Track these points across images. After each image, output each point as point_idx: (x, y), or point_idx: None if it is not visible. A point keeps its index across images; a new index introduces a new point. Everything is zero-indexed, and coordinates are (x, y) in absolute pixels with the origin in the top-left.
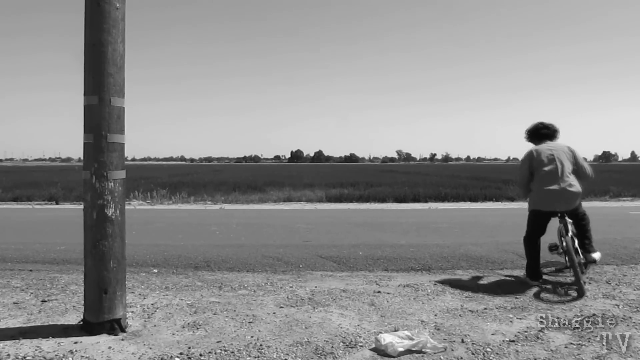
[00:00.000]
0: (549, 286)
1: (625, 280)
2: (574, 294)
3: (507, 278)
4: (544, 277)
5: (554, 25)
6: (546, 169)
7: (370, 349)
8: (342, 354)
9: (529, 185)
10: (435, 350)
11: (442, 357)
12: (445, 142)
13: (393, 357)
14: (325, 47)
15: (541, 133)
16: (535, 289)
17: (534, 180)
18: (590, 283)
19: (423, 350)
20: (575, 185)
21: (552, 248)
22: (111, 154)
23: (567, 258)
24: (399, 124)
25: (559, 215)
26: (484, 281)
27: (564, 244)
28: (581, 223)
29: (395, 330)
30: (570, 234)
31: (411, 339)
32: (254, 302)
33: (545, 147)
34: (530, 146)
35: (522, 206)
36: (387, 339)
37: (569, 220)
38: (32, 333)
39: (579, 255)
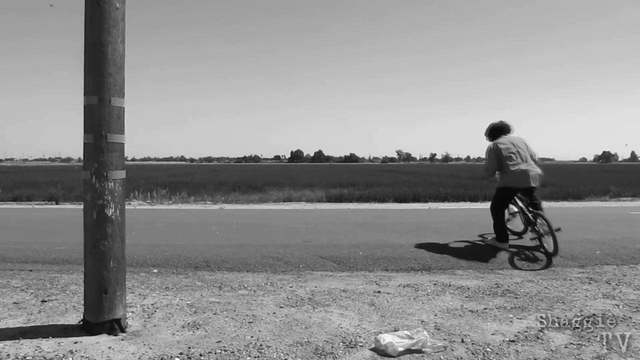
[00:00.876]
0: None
1: (625, 280)
2: (544, 258)
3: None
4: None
5: (554, 25)
6: (514, 156)
7: (370, 349)
8: (342, 354)
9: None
10: (435, 349)
11: (442, 357)
12: (445, 142)
13: (393, 356)
14: (325, 47)
15: (500, 130)
16: (508, 257)
17: (505, 166)
18: (590, 283)
19: (423, 349)
20: (538, 168)
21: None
22: (111, 154)
23: (541, 227)
24: (399, 124)
25: (521, 193)
26: (484, 281)
27: (535, 216)
28: (534, 202)
29: (395, 330)
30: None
31: (411, 338)
32: (254, 302)
33: (507, 139)
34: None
35: None
36: (386, 339)
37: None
38: (32, 333)
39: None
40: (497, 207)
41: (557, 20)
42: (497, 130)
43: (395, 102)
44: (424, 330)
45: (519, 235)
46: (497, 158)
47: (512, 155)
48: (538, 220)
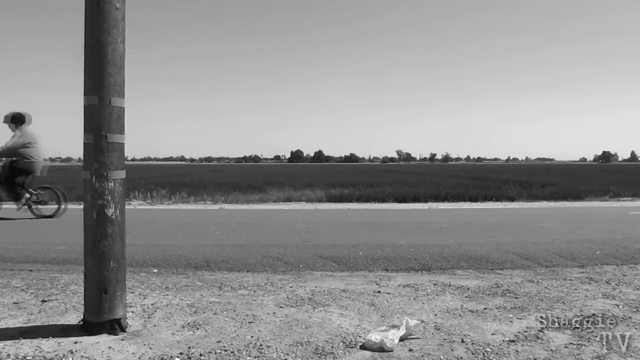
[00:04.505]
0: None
1: (625, 280)
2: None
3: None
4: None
5: (553, 24)
6: (38, 146)
7: (363, 348)
8: (342, 353)
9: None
10: (419, 327)
11: (442, 357)
12: (445, 142)
13: (392, 351)
14: (325, 47)
15: (23, 120)
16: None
17: (28, 152)
18: (590, 283)
19: (412, 333)
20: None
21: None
22: (111, 154)
23: (30, 197)
24: (399, 124)
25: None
26: (484, 281)
27: (35, 191)
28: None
29: (381, 328)
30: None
31: (397, 327)
32: (254, 302)
33: (31, 130)
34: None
35: (522, 206)
36: (377, 336)
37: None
38: (32, 333)
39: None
40: (13, 180)
41: (557, 20)
42: (21, 120)
43: (395, 102)
44: (404, 317)
45: None
46: (24, 144)
47: (36, 146)
48: (42, 192)
